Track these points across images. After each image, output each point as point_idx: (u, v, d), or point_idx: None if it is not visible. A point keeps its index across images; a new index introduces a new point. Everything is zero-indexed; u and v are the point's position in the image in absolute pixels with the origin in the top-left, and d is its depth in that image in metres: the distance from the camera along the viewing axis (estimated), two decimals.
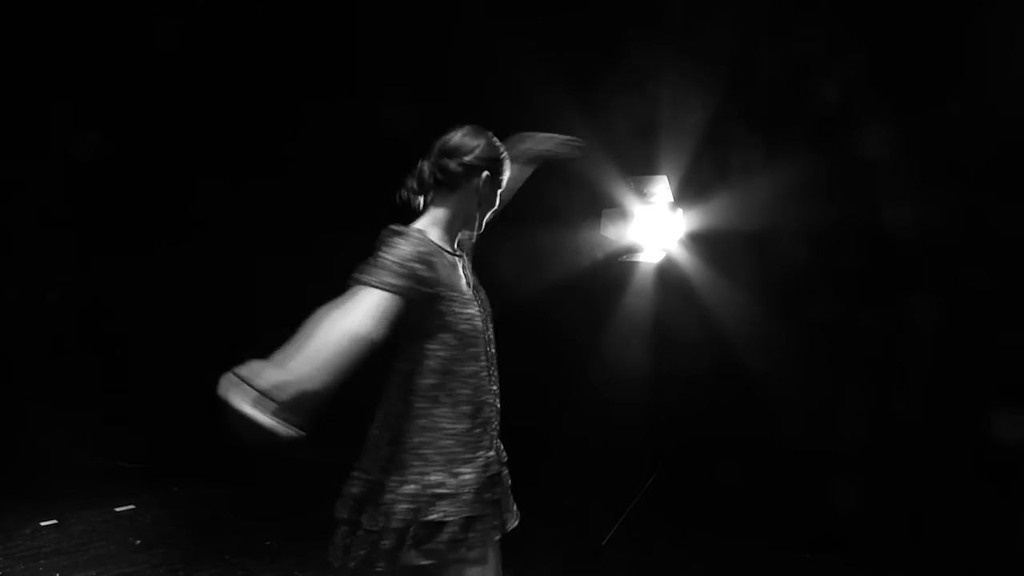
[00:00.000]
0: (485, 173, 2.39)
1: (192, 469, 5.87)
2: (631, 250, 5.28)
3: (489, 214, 2.50)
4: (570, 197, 5.50)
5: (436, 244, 2.34)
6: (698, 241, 5.21)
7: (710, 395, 5.33)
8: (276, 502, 5.33)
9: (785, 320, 4.98)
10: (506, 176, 2.48)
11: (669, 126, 5.36)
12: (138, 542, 4.62)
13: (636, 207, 5.21)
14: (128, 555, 4.45)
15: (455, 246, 2.45)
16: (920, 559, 4.41)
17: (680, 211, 5.18)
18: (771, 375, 4.99)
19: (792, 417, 4.92)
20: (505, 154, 2.47)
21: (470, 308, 2.35)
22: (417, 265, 2.18)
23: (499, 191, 2.47)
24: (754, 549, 4.73)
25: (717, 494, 5.12)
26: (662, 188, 5.14)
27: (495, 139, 2.45)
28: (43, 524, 4.81)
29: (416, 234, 2.27)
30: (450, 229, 2.43)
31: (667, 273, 5.31)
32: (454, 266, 2.38)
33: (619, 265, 5.42)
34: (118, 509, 5.14)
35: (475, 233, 2.56)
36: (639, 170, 5.29)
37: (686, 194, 5.21)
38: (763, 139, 5.08)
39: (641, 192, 5.18)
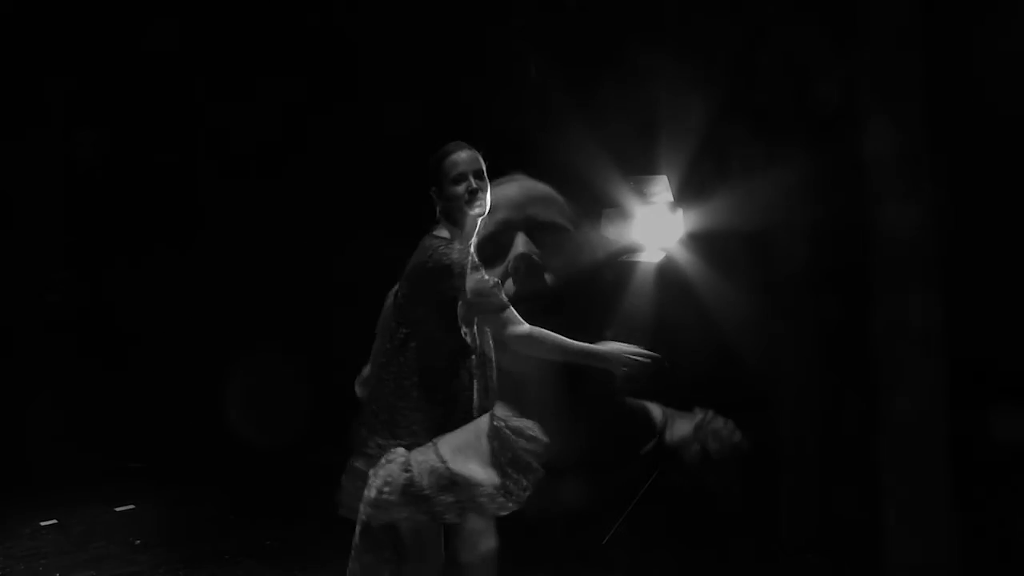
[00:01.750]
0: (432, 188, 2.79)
1: (192, 469, 5.87)
2: (631, 250, 5.27)
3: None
4: (570, 197, 5.49)
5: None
6: (698, 241, 5.20)
7: (710, 395, 5.32)
8: (276, 502, 5.33)
9: (785, 320, 4.98)
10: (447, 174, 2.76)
11: (669, 126, 5.35)
12: (138, 542, 4.63)
13: (636, 207, 5.20)
14: (128, 555, 4.45)
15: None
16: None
17: (680, 211, 5.18)
18: (771, 375, 4.98)
19: (792, 417, 4.91)
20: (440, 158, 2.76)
21: None
22: None
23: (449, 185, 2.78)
24: (755, 549, 4.73)
25: (717, 494, 5.11)
26: (662, 188, 5.14)
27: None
28: (43, 524, 4.81)
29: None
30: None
31: (667, 273, 5.31)
32: None
33: (619, 265, 5.41)
34: (118, 509, 5.15)
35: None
36: (639, 170, 5.28)
37: (686, 194, 5.21)
38: (763, 139, 5.08)
39: (641, 192, 5.17)
